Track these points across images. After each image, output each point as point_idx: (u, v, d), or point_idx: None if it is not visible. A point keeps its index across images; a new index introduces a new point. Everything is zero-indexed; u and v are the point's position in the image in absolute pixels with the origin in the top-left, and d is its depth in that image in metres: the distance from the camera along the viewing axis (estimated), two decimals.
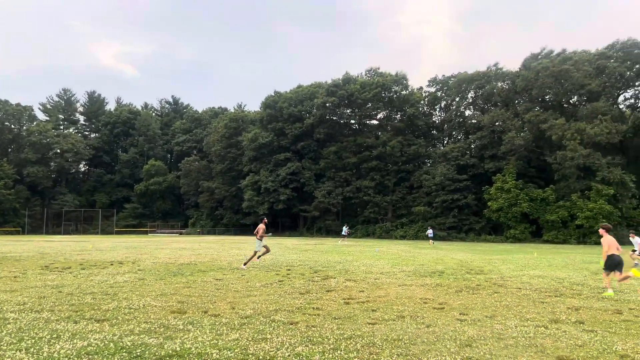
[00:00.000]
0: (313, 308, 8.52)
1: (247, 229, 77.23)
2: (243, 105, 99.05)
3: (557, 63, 56.77)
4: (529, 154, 58.43)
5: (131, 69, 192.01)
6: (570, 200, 53.17)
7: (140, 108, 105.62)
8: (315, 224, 69.81)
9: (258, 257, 17.68)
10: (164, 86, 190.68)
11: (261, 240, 16.84)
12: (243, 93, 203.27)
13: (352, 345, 5.96)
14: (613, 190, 51.00)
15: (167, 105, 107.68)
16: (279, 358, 5.38)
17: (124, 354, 5.44)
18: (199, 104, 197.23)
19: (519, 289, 11.74)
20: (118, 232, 78.36)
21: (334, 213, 69.11)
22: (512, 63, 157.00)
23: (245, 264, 16.69)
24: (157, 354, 5.49)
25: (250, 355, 5.48)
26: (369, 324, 7.23)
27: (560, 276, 14.79)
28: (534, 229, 55.69)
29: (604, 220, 50.00)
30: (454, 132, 73.55)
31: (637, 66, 60.54)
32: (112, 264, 17.29)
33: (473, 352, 5.70)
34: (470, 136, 65.86)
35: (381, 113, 74.70)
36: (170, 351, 5.59)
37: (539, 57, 62.82)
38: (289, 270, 15.73)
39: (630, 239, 20.54)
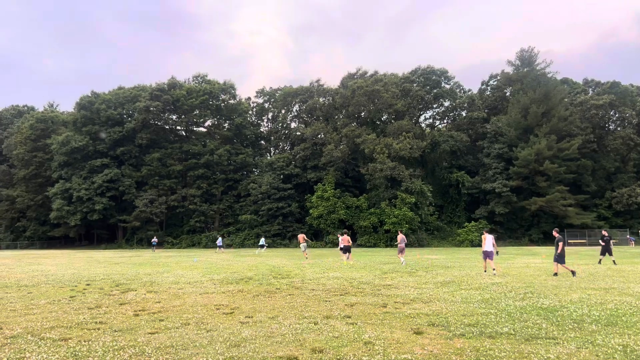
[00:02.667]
0: (96, 322, 8.15)
1: (55, 242, 69.91)
2: (55, 105, 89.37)
3: (370, 83, 62.55)
4: (346, 165, 63.27)
5: None
6: (380, 208, 58.75)
7: None
8: (136, 235, 65.99)
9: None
10: None
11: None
12: (56, 92, 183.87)
13: (119, 356, 5.90)
14: (414, 198, 57.65)
15: None
16: None
17: None
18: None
19: (313, 290, 12.69)
20: None
21: (157, 223, 66.12)
22: (337, 79, 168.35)
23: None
24: None
25: None
26: (149, 333, 7.20)
27: (355, 276, 16.33)
28: (350, 234, 60.12)
29: (407, 226, 56.46)
30: (280, 143, 76.12)
31: (435, 91, 69.87)
32: None
33: (239, 351, 6.07)
34: (295, 147, 68.79)
35: (209, 121, 74.04)
36: None
37: (355, 76, 68.65)
38: (88, 284, 14.71)
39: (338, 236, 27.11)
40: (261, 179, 64.77)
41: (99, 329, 7.62)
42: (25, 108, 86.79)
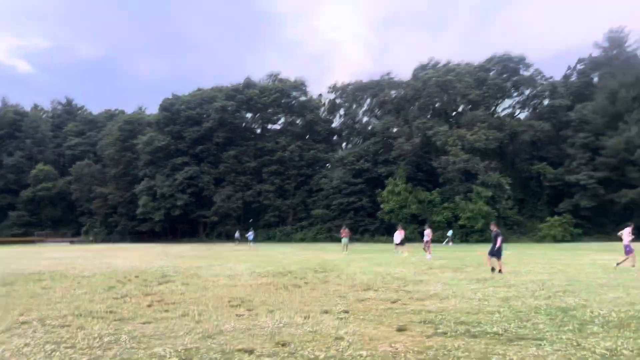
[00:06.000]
0: (106, 312, 8.65)
1: (144, 236, 74.67)
2: (144, 108, 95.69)
3: (441, 74, 60.72)
4: (418, 159, 61.84)
5: (25, 65, 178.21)
6: (454, 202, 56.87)
7: (28, 109, 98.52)
8: (215, 229, 69.01)
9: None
10: (59, 85, 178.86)
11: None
12: (146, 95, 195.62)
13: (92, 343, 6.24)
14: (491, 192, 55.19)
15: (59, 106, 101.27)
16: None
17: None
18: (97, 105, 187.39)
19: (339, 284, 12.60)
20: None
21: (234, 218, 68.73)
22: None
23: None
24: None
25: None
26: (142, 323, 7.53)
27: (395, 271, 16.00)
28: (423, 230, 58.90)
29: (482, 220, 54.16)
30: (352, 138, 76.05)
31: (514, 78, 66.26)
32: None
33: (206, 343, 6.19)
34: (365, 142, 68.41)
35: (282, 118, 75.63)
36: None
37: (427, 67, 66.82)
38: (136, 276, 15.61)
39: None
40: (332, 174, 65.17)
41: (102, 317, 8.09)
42: (117, 111, 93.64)
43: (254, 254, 29.38)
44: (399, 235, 26.62)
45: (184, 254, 30.37)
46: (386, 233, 61.27)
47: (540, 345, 5.85)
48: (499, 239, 15.24)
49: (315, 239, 62.07)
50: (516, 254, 27.82)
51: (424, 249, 24.78)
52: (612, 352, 5.47)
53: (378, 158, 64.46)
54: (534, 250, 33.30)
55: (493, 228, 16.00)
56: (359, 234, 61.98)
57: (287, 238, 64.91)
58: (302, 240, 62.81)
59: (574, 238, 53.63)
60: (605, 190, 53.87)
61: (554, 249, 34.37)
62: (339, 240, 58.22)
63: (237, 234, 53.90)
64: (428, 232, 24.71)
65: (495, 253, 15.26)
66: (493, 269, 15.23)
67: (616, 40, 59.79)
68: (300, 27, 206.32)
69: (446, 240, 50.18)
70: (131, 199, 71.91)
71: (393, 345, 5.97)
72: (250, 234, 48.37)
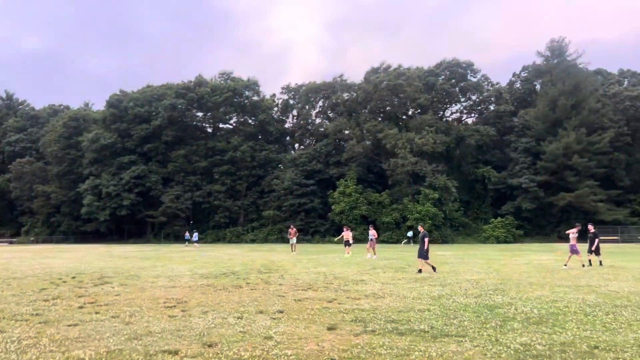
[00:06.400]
0: (32, 314, 8.32)
1: (89, 237, 72.14)
2: (90, 104, 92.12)
3: (392, 77, 61.67)
4: (368, 160, 62.70)
5: None
6: (402, 204, 57.98)
7: None
8: (163, 230, 67.41)
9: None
10: None
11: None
12: (92, 90, 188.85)
13: (6, 347, 6.01)
14: (438, 194, 56.60)
15: None
16: None
17: None
18: (40, 100, 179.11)
19: (281, 285, 12.63)
20: None
21: (183, 218, 67.37)
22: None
23: None
24: None
25: None
26: (68, 325, 7.30)
27: (338, 272, 16.15)
28: (351, 229, 59.72)
29: (430, 222, 55.49)
30: (304, 139, 76.14)
31: (462, 84, 68.15)
32: None
33: (131, 344, 6.07)
34: (318, 143, 68.66)
35: (234, 117, 74.75)
36: None
37: (379, 70, 67.70)
38: (73, 277, 15.08)
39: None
40: (284, 175, 65.04)
41: (27, 320, 7.78)
42: (61, 107, 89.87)
43: (200, 255, 28.95)
44: (345, 235, 27.06)
45: (128, 255, 29.55)
46: (337, 234, 61.71)
47: (462, 341, 6.08)
48: (426, 240, 15.62)
49: (266, 240, 61.77)
50: (460, 254, 28.70)
51: (367, 249, 25.16)
52: (526, 347, 5.76)
53: (330, 159, 64.89)
54: (477, 250, 34.43)
55: (421, 229, 16.43)
56: (310, 235, 62.14)
57: (237, 239, 64.22)
58: (253, 241, 62.33)
59: (515, 239, 55.79)
60: (544, 194, 56.31)
61: (495, 250, 35.65)
62: (288, 241, 58.66)
63: (187, 235, 52.98)
64: (373, 233, 25.12)
65: (424, 254, 15.58)
66: (420, 271, 15.53)
67: (557, 50, 62.60)
68: (255, 26, 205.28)
69: (405, 240, 51.18)
70: (75, 198, 69.19)
71: (320, 344, 6.04)
72: (195, 235, 48.27)
